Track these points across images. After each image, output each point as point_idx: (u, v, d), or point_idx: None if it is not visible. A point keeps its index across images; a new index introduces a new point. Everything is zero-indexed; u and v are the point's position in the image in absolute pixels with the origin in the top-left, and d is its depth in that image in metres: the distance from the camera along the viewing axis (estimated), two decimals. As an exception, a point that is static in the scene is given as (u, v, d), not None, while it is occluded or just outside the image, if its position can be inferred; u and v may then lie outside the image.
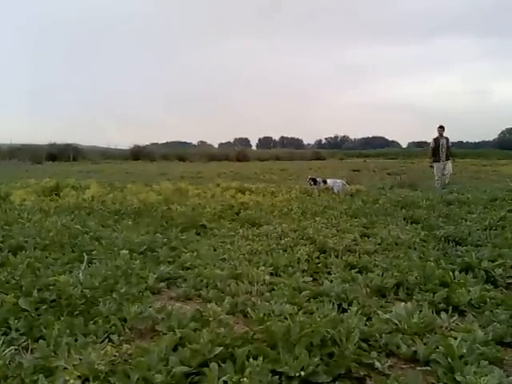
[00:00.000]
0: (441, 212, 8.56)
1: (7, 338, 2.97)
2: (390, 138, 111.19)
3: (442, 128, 15.09)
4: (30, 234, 6.09)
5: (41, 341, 2.89)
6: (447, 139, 15.22)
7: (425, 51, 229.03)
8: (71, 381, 2.35)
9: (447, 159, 15.12)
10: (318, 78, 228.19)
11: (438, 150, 14.96)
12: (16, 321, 3.22)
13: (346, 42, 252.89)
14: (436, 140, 15.08)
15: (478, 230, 6.75)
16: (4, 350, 2.73)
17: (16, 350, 2.85)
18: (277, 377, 2.50)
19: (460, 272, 4.52)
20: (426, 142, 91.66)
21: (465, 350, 2.73)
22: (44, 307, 3.52)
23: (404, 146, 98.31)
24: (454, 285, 4.15)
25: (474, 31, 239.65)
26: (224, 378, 2.41)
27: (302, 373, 2.51)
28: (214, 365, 2.51)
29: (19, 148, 48.55)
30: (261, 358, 2.53)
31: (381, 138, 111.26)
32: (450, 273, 4.43)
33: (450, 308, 3.61)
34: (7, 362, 2.62)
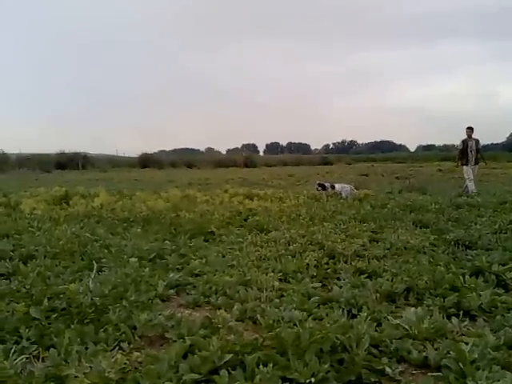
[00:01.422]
0: (450, 216, 8.51)
1: (18, 347, 2.99)
2: (397, 142, 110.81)
3: (470, 129, 14.31)
4: (40, 243, 6.14)
5: (52, 349, 2.91)
6: (477, 141, 14.34)
7: (431, 54, 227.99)
8: (82, 389, 2.36)
9: (476, 163, 14.28)
10: (325, 83, 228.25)
11: (466, 152, 14.17)
12: (27, 329, 3.24)
13: (352, 46, 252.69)
14: (464, 142, 14.29)
15: (488, 233, 6.70)
16: (15, 359, 2.74)
17: (27, 358, 2.87)
18: (287, 383, 2.49)
19: (470, 276, 4.48)
20: (434, 146, 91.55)
21: (476, 355, 2.70)
22: (54, 316, 3.54)
23: (412, 149, 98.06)
24: (465, 289, 4.13)
25: (479, 34, 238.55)
26: (234, 385, 2.42)
27: (313, 379, 2.50)
28: (223, 372, 2.51)
29: (28, 157, 48.96)
30: (271, 365, 2.53)
31: (388, 142, 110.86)
32: (461, 277, 4.40)
33: (461, 313, 3.60)
34: (19, 371, 2.63)
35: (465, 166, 14.27)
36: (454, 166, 15.65)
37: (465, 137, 14.39)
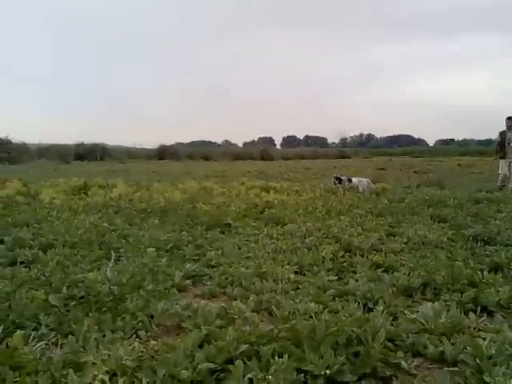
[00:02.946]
0: (469, 211, 8.40)
1: (37, 334, 3.04)
2: (416, 136, 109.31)
3: (510, 119, 13.27)
4: (59, 232, 6.23)
5: (70, 336, 2.95)
6: None
7: (452, 48, 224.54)
8: (100, 376, 2.39)
9: None
10: (343, 76, 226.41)
11: (504, 144, 13.23)
12: (46, 316, 3.30)
13: (372, 38, 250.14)
14: (502, 133, 13.38)
15: (507, 229, 6.60)
16: (35, 345, 2.79)
17: (46, 345, 2.91)
18: (302, 375, 2.49)
19: (489, 272, 4.44)
20: (453, 140, 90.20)
21: (494, 351, 2.67)
22: (73, 303, 3.60)
23: (431, 144, 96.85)
24: (483, 285, 4.08)
25: (500, 27, 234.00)
26: (249, 376, 2.42)
27: (328, 371, 2.50)
28: (239, 362, 2.52)
29: (48, 148, 49.49)
30: (286, 356, 2.53)
31: (407, 136, 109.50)
32: (479, 272, 4.35)
33: (479, 308, 3.55)
34: (38, 357, 2.68)
35: (502, 160, 13.47)
36: (492, 159, 14.76)
37: (503, 128, 13.52)
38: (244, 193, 11.53)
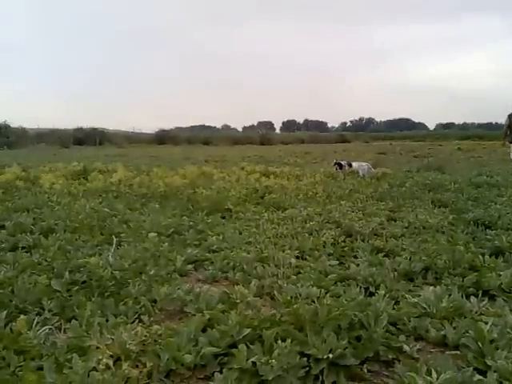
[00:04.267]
0: (469, 195, 8.39)
1: (41, 318, 3.06)
2: (416, 120, 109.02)
3: None
4: (60, 217, 6.23)
5: (73, 321, 2.96)
6: None
7: (453, 30, 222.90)
8: (104, 360, 2.40)
9: None
10: (343, 60, 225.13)
11: None
12: (49, 301, 3.31)
13: (372, 22, 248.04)
14: (511, 116, 12.53)
15: (508, 213, 6.59)
16: (38, 330, 2.81)
17: (50, 329, 2.93)
18: (305, 359, 2.51)
19: (490, 256, 4.44)
20: (453, 124, 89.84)
21: (495, 335, 2.69)
22: (75, 288, 3.61)
23: (431, 127, 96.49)
24: (484, 269, 4.08)
25: (503, 9, 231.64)
26: (252, 359, 2.43)
27: (330, 355, 2.51)
28: (242, 346, 2.53)
29: (47, 132, 49.31)
30: (289, 340, 2.54)
31: (407, 119, 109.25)
32: (480, 257, 4.36)
33: (480, 292, 3.57)
34: (42, 341, 2.69)
35: (511, 145, 12.73)
36: (501, 144, 14.01)
37: (509, 112, 12.71)
38: (244, 178, 11.49)
